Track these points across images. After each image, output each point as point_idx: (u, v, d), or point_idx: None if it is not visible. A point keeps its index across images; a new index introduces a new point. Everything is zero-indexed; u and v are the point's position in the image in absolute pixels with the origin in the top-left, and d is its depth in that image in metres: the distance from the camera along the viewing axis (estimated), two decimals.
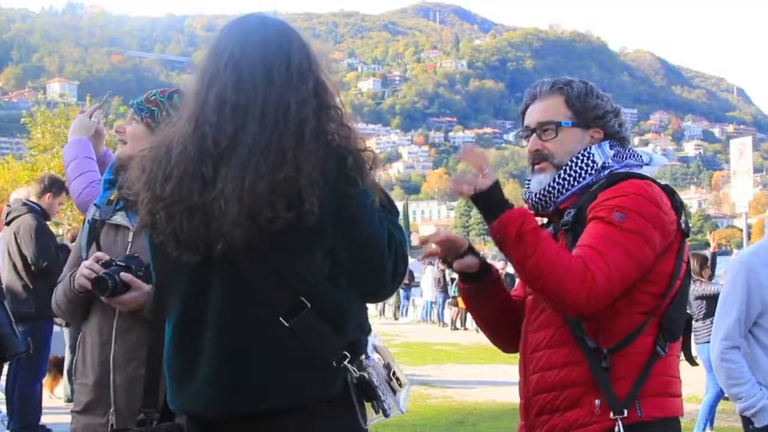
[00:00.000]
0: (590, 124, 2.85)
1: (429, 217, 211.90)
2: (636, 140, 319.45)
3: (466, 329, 26.34)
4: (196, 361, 2.32)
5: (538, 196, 2.85)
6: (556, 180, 2.80)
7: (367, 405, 2.40)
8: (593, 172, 2.78)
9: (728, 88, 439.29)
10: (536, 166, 2.88)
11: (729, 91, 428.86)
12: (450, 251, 2.75)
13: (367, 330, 2.46)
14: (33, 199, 8.10)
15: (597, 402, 2.59)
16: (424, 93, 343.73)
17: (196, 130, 2.29)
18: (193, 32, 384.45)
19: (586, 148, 2.82)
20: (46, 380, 9.47)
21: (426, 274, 30.17)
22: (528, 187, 2.91)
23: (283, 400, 2.28)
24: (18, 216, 7.92)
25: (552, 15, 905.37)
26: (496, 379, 14.63)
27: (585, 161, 2.79)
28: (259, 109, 2.26)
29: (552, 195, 2.82)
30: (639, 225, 2.56)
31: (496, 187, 2.56)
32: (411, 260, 40.45)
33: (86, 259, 3.21)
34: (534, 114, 2.89)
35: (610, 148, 2.83)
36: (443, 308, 28.96)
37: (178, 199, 2.27)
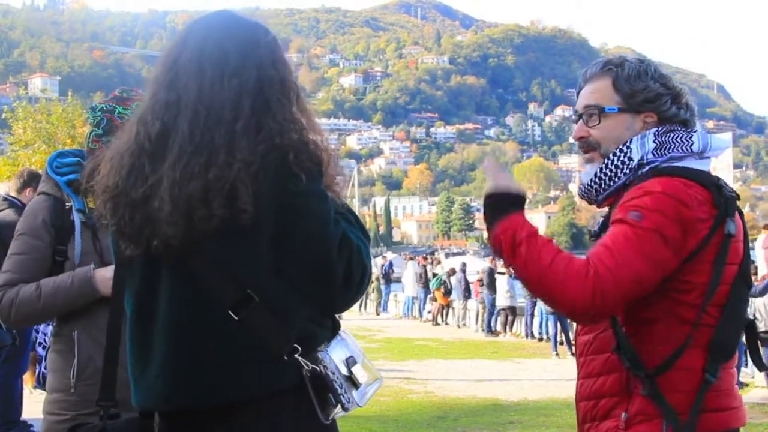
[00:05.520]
0: (640, 108, 2.61)
1: (411, 213, 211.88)
2: None
3: (447, 324, 26.46)
4: (147, 356, 2.31)
5: (584, 188, 2.68)
6: (596, 176, 2.62)
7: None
8: (627, 171, 2.56)
9: (708, 84, 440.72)
10: (586, 155, 2.70)
11: (709, 88, 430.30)
12: None
13: (325, 323, 2.38)
14: (13, 194, 8.04)
15: (623, 416, 2.45)
16: (406, 89, 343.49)
17: (137, 127, 2.32)
18: (175, 28, 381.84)
19: (626, 142, 2.57)
20: (27, 375, 9.42)
21: (407, 270, 30.22)
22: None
23: (232, 393, 2.24)
24: (0, 211, 7.87)
25: (533, 11, 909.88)
26: (477, 374, 14.74)
27: (621, 158, 2.57)
28: (191, 106, 2.25)
29: (592, 192, 2.66)
30: (656, 222, 2.33)
31: (513, 191, 2.49)
32: (392, 256, 40.41)
33: (81, 263, 3.31)
34: (582, 97, 2.71)
35: (656, 139, 2.56)
36: (425, 304, 29.04)
37: (122, 192, 2.28)
